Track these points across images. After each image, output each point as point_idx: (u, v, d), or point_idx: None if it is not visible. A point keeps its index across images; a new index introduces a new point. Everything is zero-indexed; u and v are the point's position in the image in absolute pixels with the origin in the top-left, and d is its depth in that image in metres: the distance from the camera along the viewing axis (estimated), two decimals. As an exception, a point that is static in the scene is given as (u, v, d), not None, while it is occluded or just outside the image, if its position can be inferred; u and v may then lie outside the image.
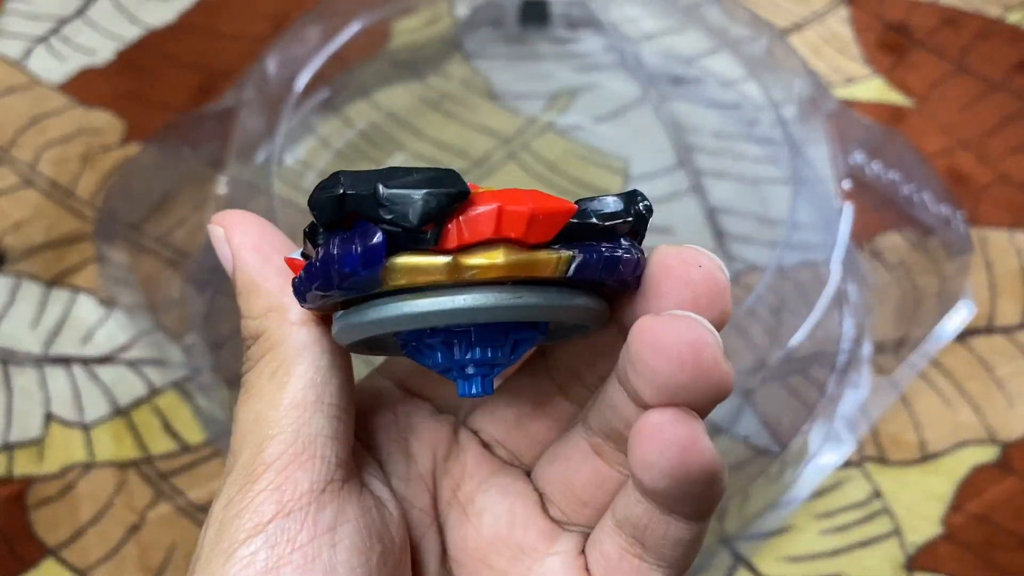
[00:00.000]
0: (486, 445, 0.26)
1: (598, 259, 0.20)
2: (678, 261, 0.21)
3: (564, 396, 0.25)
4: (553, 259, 0.20)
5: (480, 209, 0.19)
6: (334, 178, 0.20)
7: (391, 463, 0.25)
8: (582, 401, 0.24)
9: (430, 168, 0.19)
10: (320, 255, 0.20)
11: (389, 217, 0.19)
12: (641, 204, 0.21)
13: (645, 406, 0.20)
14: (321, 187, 0.20)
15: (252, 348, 0.23)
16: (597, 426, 0.23)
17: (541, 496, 0.24)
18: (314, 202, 0.20)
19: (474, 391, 0.21)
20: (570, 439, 0.24)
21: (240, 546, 0.21)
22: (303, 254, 0.22)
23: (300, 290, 0.21)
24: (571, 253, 0.20)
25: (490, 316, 0.20)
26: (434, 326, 0.20)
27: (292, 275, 0.22)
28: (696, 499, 0.20)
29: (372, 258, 0.19)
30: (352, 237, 0.19)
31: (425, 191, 0.19)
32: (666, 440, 0.19)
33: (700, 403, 0.19)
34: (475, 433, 0.26)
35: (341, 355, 0.23)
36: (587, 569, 0.23)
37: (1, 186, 0.56)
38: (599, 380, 0.24)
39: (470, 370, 0.21)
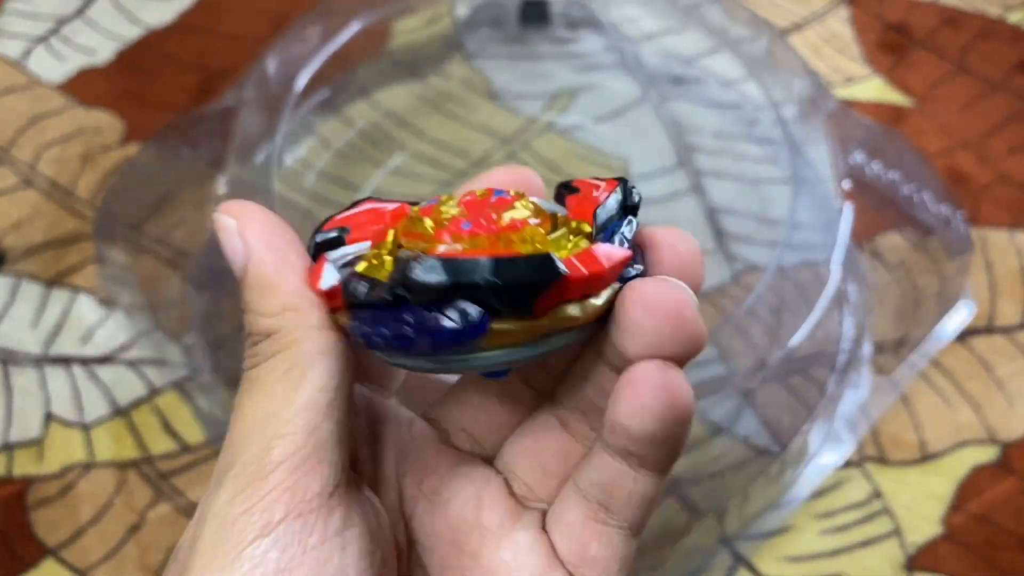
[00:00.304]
0: (444, 433, 0.27)
1: (628, 280, 0.22)
2: (666, 245, 0.24)
3: (524, 382, 0.26)
4: (610, 297, 0.22)
5: (572, 278, 0.21)
6: (428, 264, 0.20)
7: (362, 466, 0.25)
8: (541, 386, 0.26)
9: (527, 257, 0.20)
10: (413, 322, 0.21)
11: (499, 306, 0.20)
12: (637, 198, 0.24)
13: (627, 364, 0.22)
14: (416, 269, 0.20)
15: (261, 344, 0.23)
16: (566, 399, 0.25)
17: (505, 479, 0.26)
18: (415, 287, 0.20)
19: (497, 378, 0.24)
20: (538, 416, 0.26)
21: (248, 546, 0.21)
22: (351, 288, 0.22)
23: (375, 343, 0.21)
24: (617, 285, 0.22)
25: (560, 351, 0.22)
26: (512, 367, 0.22)
27: (310, 285, 0.23)
28: (673, 443, 0.22)
29: (476, 331, 0.21)
30: (450, 310, 0.21)
31: (535, 281, 0.20)
32: (656, 383, 0.21)
33: (679, 355, 0.21)
34: (433, 423, 0.27)
35: (351, 362, 0.23)
36: (551, 542, 0.24)
37: (1, 186, 0.56)
38: (563, 362, 0.25)
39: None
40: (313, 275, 0.23)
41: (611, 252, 0.22)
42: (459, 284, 0.20)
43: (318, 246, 0.23)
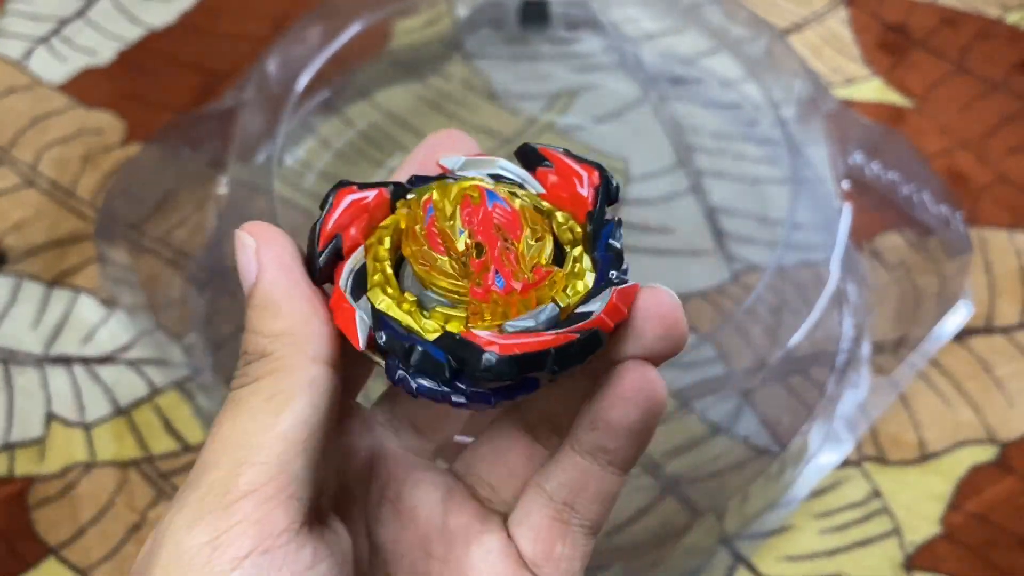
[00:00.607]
0: (394, 431, 0.27)
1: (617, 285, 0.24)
2: None
3: None
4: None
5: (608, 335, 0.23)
6: (500, 361, 0.22)
7: (328, 481, 0.25)
8: None
9: (579, 341, 0.22)
10: (467, 392, 0.22)
11: (552, 377, 0.23)
12: (616, 188, 0.25)
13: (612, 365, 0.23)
14: (488, 366, 0.22)
15: (253, 365, 0.23)
16: (532, 408, 0.26)
17: (466, 484, 0.26)
18: (484, 379, 0.22)
19: None
20: (503, 422, 0.26)
21: None
22: (394, 346, 0.22)
23: (416, 391, 0.22)
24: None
25: None
26: None
27: (340, 329, 0.23)
28: (645, 437, 0.24)
29: (526, 394, 0.23)
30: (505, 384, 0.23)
31: (587, 357, 0.22)
32: (640, 377, 0.23)
33: (667, 355, 0.23)
34: (387, 417, 0.27)
35: (336, 401, 0.23)
36: (516, 545, 0.25)
37: (2, 186, 0.57)
38: None
39: None
40: (341, 319, 0.23)
41: (626, 293, 0.23)
42: (530, 368, 0.22)
43: (322, 270, 0.24)
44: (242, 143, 0.53)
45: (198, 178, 0.54)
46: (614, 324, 0.23)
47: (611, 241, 0.24)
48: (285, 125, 0.52)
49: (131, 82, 0.61)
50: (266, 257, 0.23)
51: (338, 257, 0.24)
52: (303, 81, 0.54)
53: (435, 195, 0.24)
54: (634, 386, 0.23)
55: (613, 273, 0.24)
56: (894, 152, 0.54)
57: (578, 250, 0.24)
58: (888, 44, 0.63)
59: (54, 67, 0.62)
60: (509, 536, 0.25)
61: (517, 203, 0.24)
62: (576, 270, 0.24)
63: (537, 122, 0.59)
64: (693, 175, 0.56)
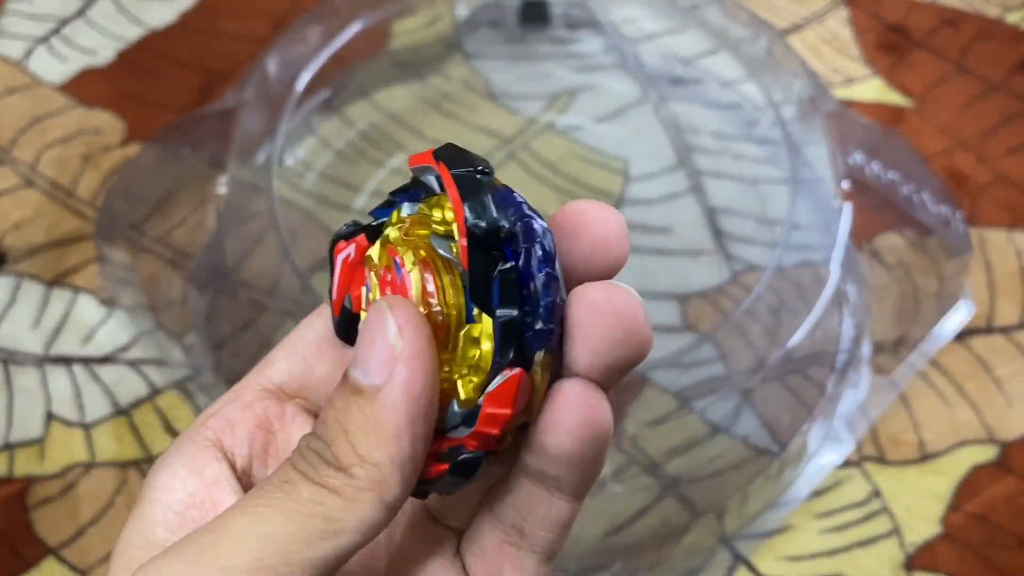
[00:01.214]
0: None
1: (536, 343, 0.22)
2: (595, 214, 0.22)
3: None
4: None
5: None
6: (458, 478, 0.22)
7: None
8: None
9: (452, 461, 0.21)
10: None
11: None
12: (482, 184, 0.21)
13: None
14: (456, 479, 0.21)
15: (327, 468, 0.20)
16: None
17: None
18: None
19: None
20: None
21: None
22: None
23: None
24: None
25: None
26: None
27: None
28: (588, 465, 0.21)
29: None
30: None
31: (470, 481, 0.21)
32: (582, 402, 0.21)
33: (627, 361, 0.21)
34: None
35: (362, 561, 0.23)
36: (464, 568, 0.23)
37: (2, 186, 0.57)
38: None
39: None
40: None
41: (502, 394, 0.20)
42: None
43: (347, 338, 0.23)
44: (242, 143, 0.53)
45: (198, 178, 0.54)
46: (499, 430, 0.20)
47: (500, 311, 0.20)
48: (285, 125, 0.52)
49: (131, 82, 0.61)
50: (408, 371, 0.20)
51: (355, 318, 0.23)
52: (303, 81, 0.54)
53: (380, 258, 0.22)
54: (570, 411, 0.20)
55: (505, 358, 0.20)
56: (894, 152, 0.54)
57: (477, 328, 0.21)
58: (888, 44, 0.63)
59: (54, 67, 0.62)
60: (459, 557, 0.24)
61: (409, 261, 0.21)
62: (471, 355, 0.21)
63: (537, 122, 0.59)
64: (693, 175, 0.56)
